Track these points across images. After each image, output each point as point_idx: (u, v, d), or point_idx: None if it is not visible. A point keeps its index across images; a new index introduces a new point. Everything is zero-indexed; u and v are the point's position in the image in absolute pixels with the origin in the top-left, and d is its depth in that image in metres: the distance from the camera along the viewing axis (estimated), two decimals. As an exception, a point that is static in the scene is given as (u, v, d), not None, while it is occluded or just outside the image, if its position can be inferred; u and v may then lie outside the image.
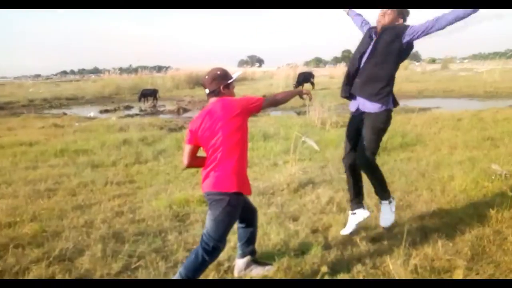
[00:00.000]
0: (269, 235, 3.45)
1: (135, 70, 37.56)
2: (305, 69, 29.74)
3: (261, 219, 3.79)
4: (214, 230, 2.54)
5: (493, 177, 4.74)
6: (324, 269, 2.76)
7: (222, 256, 3.11)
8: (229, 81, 2.64)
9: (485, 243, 3.23)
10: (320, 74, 34.04)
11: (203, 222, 3.88)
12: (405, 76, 25.30)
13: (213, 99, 2.62)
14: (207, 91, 2.62)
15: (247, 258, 2.91)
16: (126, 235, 3.68)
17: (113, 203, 4.56)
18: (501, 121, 8.85)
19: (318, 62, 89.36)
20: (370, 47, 3.05)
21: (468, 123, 8.69)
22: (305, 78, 21.11)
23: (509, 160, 5.57)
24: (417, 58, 73.79)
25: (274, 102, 2.79)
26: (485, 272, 2.79)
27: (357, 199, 3.40)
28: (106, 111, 16.35)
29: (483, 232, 3.37)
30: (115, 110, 16.57)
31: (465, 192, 4.41)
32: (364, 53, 3.08)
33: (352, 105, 3.24)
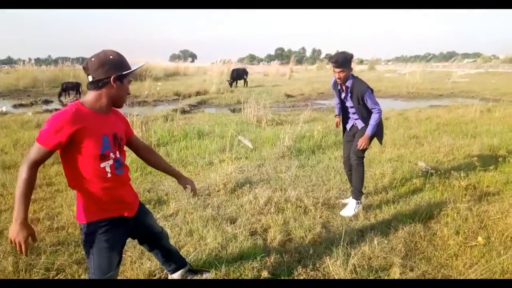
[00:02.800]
0: (205, 239, 3.24)
1: (55, 62, 34.61)
2: (239, 65, 29.67)
3: (197, 222, 3.58)
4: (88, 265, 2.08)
5: (419, 174, 4.98)
6: (265, 274, 2.64)
7: (154, 265, 2.86)
8: (125, 72, 1.96)
9: (417, 239, 3.33)
10: (254, 72, 34.36)
11: (132, 227, 3.58)
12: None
13: (90, 95, 1.93)
14: (90, 78, 1.91)
15: (180, 271, 2.66)
16: (42, 246, 3.25)
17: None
18: (424, 121, 9.46)
19: (252, 59, 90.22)
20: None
21: (395, 122, 9.18)
22: (238, 74, 21.01)
23: (433, 158, 5.93)
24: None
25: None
26: (419, 269, 2.85)
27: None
28: (21, 105, 14.80)
29: (414, 228, 3.47)
30: (31, 104, 15.04)
31: (396, 188, 4.56)
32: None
33: (348, 125, 4.18)
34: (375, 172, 5.11)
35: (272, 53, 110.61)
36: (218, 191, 4.49)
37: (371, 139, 3.91)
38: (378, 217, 3.78)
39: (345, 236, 3.19)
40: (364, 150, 3.95)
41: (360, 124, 4.00)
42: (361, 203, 3.96)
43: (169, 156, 6.23)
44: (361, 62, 50.18)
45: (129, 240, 3.28)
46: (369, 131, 3.80)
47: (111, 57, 1.92)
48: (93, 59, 1.91)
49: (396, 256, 2.98)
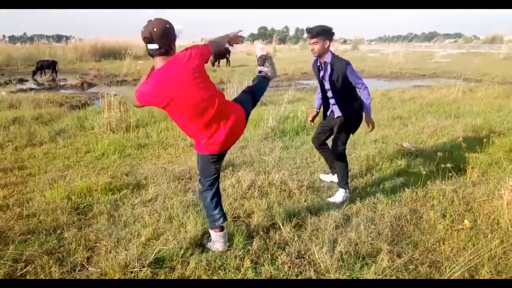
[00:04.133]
0: (185, 226, 3.09)
1: (31, 39, 33.22)
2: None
3: (177, 208, 3.41)
4: None
5: (404, 155, 4.92)
6: (247, 263, 2.53)
7: (130, 256, 2.70)
8: (179, 38, 2.36)
9: (403, 223, 3.25)
10: (237, 50, 33.71)
11: (108, 214, 3.40)
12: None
13: (162, 58, 2.30)
14: (154, 46, 2.24)
15: None
16: (11, 234, 3.04)
17: (-4, 195, 3.81)
18: (407, 101, 9.43)
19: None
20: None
21: (379, 102, 9.11)
22: (220, 54, 20.55)
23: (417, 138, 5.87)
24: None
25: (218, 45, 2.68)
26: (406, 254, 2.78)
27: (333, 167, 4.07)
28: (-6, 84, 14.21)
29: (400, 212, 3.40)
30: (5, 83, 14.41)
31: (381, 170, 4.49)
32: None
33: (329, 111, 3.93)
34: (360, 153, 5.01)
35: (255, 32, 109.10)
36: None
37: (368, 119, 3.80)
38: (363, 200, 3.68)
39: (331, 220, 3.09)
40: (345, 143, 3.81)
41: (336, 110, 3.75)
42: (348, 191, 3.80)
43: (148, 138, 6.01)
44: (344, 41, 49.92)
45: (104, 228, 3.11)
46: (367, 111, 3.72)
47: (167, 25, 2.26)
48: (155, 29, 2.21)
49: (383, 242, 2.90)
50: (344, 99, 3.67)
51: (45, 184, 4.07)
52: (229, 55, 21.04)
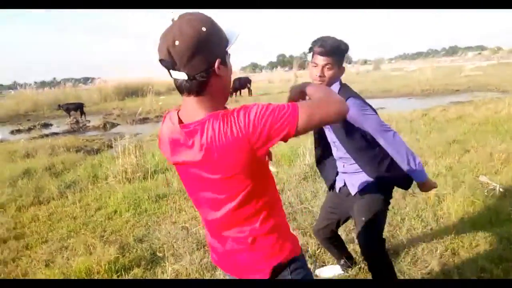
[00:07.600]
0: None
1: (59, 83, 34.20)
2: (241, 74, 28.70)
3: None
4: None
5: (485, 193, 3.90)
6: None
7: None
8: (229, 47, 1.16)
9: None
10: (258, 80, 33.39)
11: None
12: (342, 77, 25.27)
13: (193, 104, 1.16)
14: (179, 76, 1.11)
15: None
16: None
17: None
18: (455, 120, 8.35)
19: (254, 67, 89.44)
20: None
21: (424, 124, 8.06)
22: (241, 84, 19.95)
23: (490, 169, 4.82)
24: (349, 60, 77.60)
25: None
26: None
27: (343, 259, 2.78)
28: (18, 131, 14.00)
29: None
30: (29, 129, 14.24)
31: (462, 219, 3.47)
32: None
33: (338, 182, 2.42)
34: (428, 194, 4.02)
35: (274, 60, 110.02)
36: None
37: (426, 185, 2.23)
38: (446, 267, 2.68)
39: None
40: (383, 230, 2.34)
41: (352, 183, 2.28)
42: None
43: (168, 186, 5.20)
44: (365, 62, 49.08)
45: None
46: (419, 175, 2.15)
47: (204, 29, 1.07)
48: (177, 42, 1.06)
49: None
50: (363, 156, 2.17)
51: (40, 262, 3.27)
52: (250, 85, 20.49)
